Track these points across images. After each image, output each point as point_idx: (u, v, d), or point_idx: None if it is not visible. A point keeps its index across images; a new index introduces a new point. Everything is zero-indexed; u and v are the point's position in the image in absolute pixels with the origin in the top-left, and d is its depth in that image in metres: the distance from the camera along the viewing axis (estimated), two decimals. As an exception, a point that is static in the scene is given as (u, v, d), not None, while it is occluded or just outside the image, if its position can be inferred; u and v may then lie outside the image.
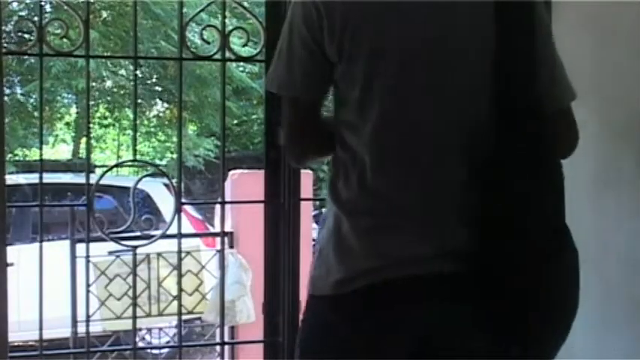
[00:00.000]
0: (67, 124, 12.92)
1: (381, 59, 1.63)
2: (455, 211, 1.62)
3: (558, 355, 2.37)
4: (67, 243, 4.84)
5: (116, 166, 6.93)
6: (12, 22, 8.36)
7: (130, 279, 4.07)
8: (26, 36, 7.54)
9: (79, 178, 6.41)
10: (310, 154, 1.83)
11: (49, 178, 5.21)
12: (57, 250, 4.30)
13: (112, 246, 3.62)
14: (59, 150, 13.55)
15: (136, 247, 3.11)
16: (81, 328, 4.14)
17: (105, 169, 3.75)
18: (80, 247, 4.23)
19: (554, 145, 1.70)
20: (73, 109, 12.49)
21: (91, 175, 3.14)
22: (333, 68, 1.68)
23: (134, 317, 3.18)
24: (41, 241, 2.96)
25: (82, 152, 11.88)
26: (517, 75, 1.64)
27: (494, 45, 1.62)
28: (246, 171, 5.50)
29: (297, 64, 1.70)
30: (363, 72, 1.64)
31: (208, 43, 3.20)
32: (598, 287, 2.93)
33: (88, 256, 3.15)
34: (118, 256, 4.78)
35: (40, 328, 2.92)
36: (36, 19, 2.90)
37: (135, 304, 3.25)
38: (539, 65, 1.67)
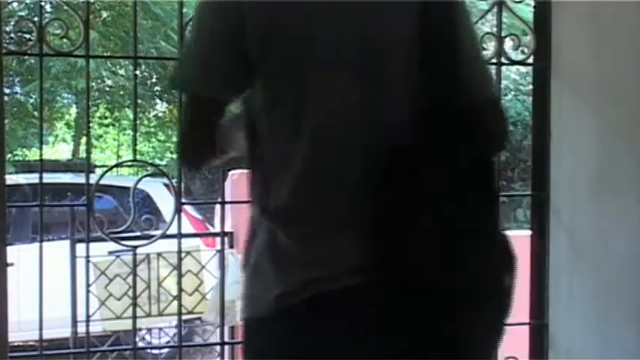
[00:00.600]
0: (67, 124, 12.93)
1: (313, 59, 1.60)
2: (383, 211, 1.58)
3: (558, 355, 2.39)
4: (67, 243, 4.85)
5: (116, 166, 6.94)
6: (12, 22, 8.35)
7: (130, 279, 4.07)
8: (26, 36, 7.54)
9: (79, 178, 6.40)
10: (208, 159, 1.76)
11: (49, 178, 5.20)
12: (57, 250, 4.29)
13: (112, 246, 3.62)
14: (59, 150, 13.56)
15: (135, 247, 3.11)
16: (81, 328, 4.14)
17: (105, 169, 3.75)
18: (80, 247, 4.23)
19: (481, 138, 1.67)
20: (73, 109, 12.49)
21: (91, 175, 3.14)
22: (250, 69, 1.60)
23: (134, 317, 3.18)
24: (41, 241, 2.96)
25: (83, 152, 11.88)
26: (442, 74, 1.64)
27: (418, 45, 1.63)
28: (246, 171, 5.49)
29: (208, 60, 1.62)
30: (294, 72, 1.60)
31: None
32: (598, 287, 2.93)
33: (88, 256, 3.15)
34: (118, 256, 4.78)
35: (40, 328, 2.92)
36: (36, 19, 2.90)
37: (135, 304, 3.25)
38: (463, 63, 1.66)
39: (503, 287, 1.65)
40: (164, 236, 3.12)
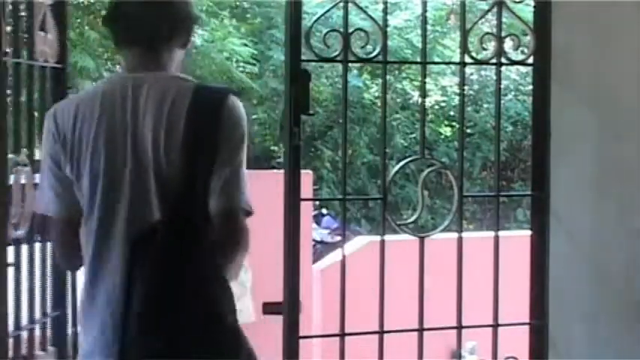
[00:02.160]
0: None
1: (101, 154, 1.89)
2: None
3: (558, 354, 2.38)
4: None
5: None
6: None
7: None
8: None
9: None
10: (80, 262, 2.02)
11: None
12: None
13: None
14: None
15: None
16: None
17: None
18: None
19: (214, 244, 1.90)
20: (73, 110, 12.48)
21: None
22: (71, 182, 1.93)
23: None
24: (37, 241, 2.95)
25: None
26: (191, 176, 1.87)
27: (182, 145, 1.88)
28: (246, 171, 5.48)
29: (49, 185, 1.95)
30: (88, 173, 1.90)
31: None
32: (598, 287, 2.93)
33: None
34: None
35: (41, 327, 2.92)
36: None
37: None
38: (212, 168, 1.90)
39: None
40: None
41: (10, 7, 2.51)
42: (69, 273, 2.83)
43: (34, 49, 2.65)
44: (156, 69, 1.97)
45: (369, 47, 2.83)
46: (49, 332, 2.82)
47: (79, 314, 2.01)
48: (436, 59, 10.70)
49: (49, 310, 2.78)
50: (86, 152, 1.90)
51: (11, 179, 2.47)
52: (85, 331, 1.96)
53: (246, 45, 10.43)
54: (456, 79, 9.30)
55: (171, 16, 1.98)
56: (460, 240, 2.93)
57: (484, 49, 2.97)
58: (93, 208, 1.91)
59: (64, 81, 2.86)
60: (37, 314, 2.73)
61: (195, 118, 1.88)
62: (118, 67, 10.47)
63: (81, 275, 2.63)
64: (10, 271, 2.51)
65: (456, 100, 10.72)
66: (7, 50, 2.43)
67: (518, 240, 3.67)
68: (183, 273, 1.84)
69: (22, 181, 2.48)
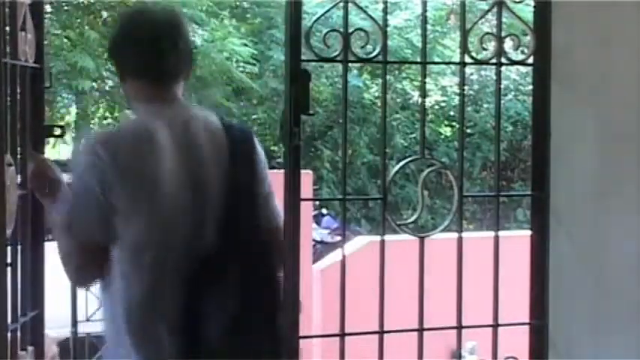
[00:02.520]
0: (67, 124, 12.93)
1: (155, 192, 2.05)
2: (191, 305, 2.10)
3: (558, 355, 2.38)
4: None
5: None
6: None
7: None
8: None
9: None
10: (96, 279, 2.20)
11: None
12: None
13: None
14: (59, 150, 13.55)
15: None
16: (81, 328, 4.14)
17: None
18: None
19: (268, 256, 2.21)
20: (73, 109, 12.49)
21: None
22: (116, 212, 2.05)
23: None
24: (19, 243, 2.94)
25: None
26: (242, 204, 2.15)
27: (228, 181, 2.16)
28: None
29: (86, 211, 2.06)
30: (141, 208, 2.06)
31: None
32: (598, 287, 2.94)
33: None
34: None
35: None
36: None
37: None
38: (258, 197, 2.24)
39: None
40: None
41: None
42: (45, 273, 2.82)
43: (17, 48, 2.62)
44: (172, 102, 2.09)
45: (369, 47, 2.82)
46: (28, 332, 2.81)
47: (125, 334, 2.13)
48: (436, 59, 10.73)
49: (28, 310, 2.76)
50: (148, 183, 2.04)
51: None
52: (136, 346, 2.10)
53: (246, 45, 10.44)
54: (456, 79, 9.30)
55: (184, 50, 2.11)
56: (460, 240, 2.93)
57: (484, 49, 2.97)
58: (148, 236, 2.04)
59: (41, 81, 2.86)
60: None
61: (237, 152, 2.16)
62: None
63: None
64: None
65: (456, 100, 10.73)
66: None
67: (518, 240, 3.67)
68: (246, 293, 2.14)
69: (7, 182, 2.47)
